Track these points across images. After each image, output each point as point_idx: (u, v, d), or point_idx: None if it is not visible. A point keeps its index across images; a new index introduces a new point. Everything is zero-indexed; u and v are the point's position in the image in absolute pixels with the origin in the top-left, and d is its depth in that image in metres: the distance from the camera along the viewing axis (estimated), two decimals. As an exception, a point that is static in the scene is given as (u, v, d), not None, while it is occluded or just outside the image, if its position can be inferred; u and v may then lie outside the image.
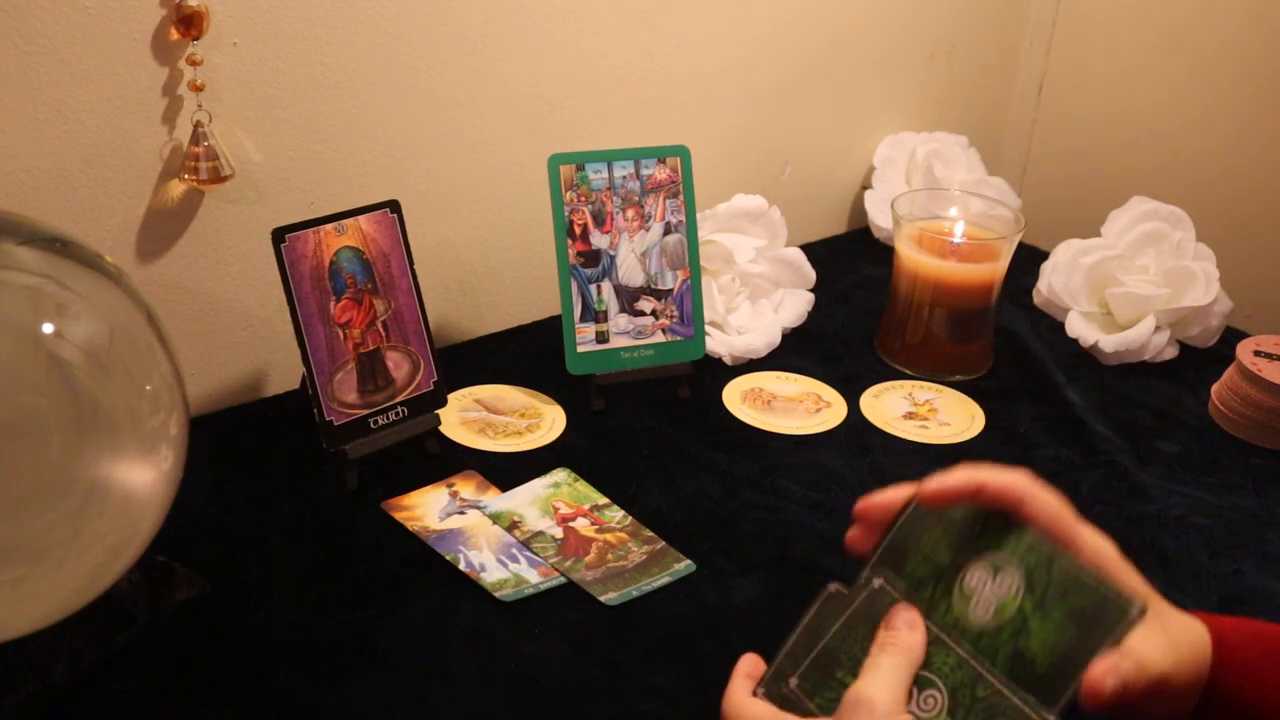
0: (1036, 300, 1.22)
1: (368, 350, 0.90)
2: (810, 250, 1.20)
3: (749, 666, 0.63)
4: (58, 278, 0.65)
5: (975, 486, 0.62)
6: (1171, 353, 1.15)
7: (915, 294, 1.10)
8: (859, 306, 1.23)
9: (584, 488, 0.92)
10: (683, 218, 1.02)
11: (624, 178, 1.01)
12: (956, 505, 0.62)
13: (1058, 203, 1.46)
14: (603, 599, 0.81)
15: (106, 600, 0.71)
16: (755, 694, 0.61)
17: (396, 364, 0.91)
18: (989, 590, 0.58)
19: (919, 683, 0.58)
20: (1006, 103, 1.51)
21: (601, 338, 1.01)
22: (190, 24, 0.86)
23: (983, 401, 1.07)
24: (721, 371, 1.09)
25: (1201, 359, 1.16)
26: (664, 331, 1.02)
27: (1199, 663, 0.61)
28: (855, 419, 1.04)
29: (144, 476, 0.66)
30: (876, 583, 0.62)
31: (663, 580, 0.83)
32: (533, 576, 0.83)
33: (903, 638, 0.59)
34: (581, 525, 0.88)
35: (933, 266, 1.08)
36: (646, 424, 1.01)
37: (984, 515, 0.60)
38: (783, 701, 0.60)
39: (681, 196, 1.02)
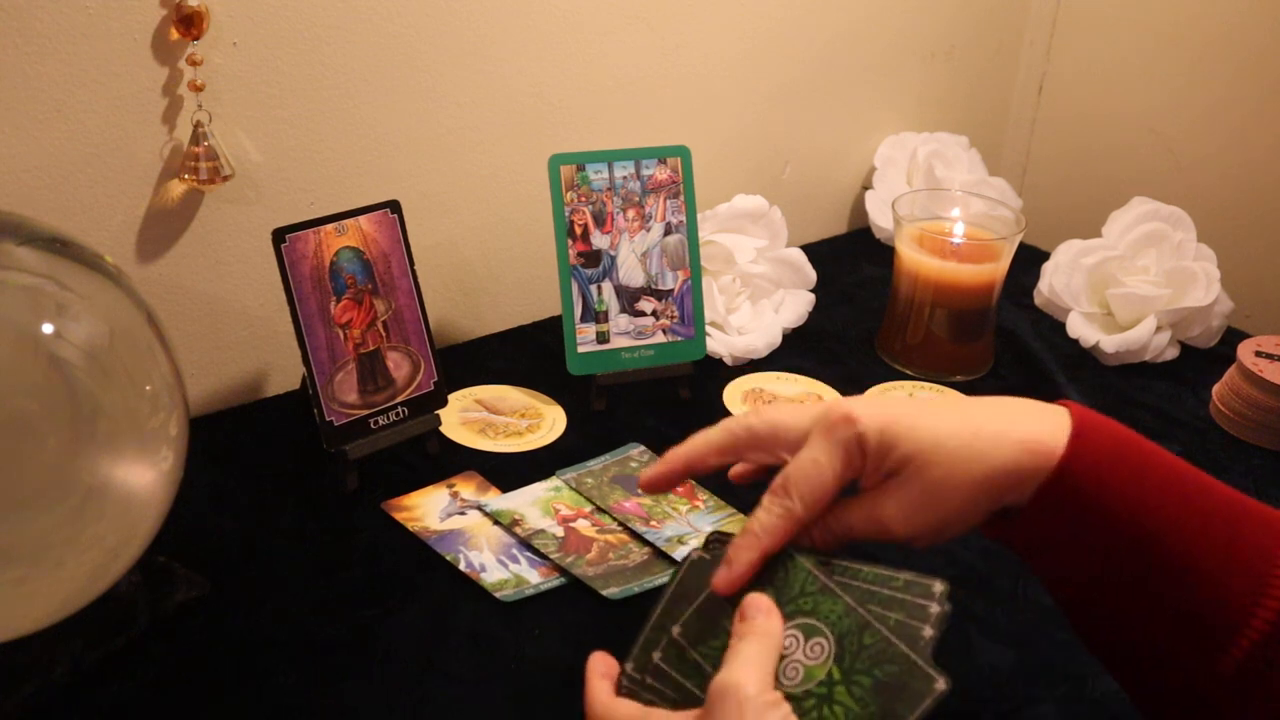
0: (1037, 301, 1.22)
1: (368, 351, 0.90)
2: (811, 250, 1.20)
3: (603, 666, 0.61)
4: (58, 278, 0.65)
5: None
6: (1172, 353, 1.15)
7: (916, 294, 1.10)
8: (860, 307, 1.23)
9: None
10: (683, 218, 1.02)
11: (624, 178, 1.01)
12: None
13: (1058, 203, 1.46)
14: (604, 593, 0.81)
15: (106, 600, 0.70)
16: (619, 692, 0.60)
17: (397, 364, 0.91)
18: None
19: (806, 631, 0.58)
20: (1006, 103, 1.51)
21: (602, 338, 1.01)
22: (190, 24, 0.86)
23: (983, 402, 1.07)
24: (722, 372, 1.09)
25: (1202, 359, 1.16)
26: (664, 332, 1.02)
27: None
28: (856, 419, 1.04)
29: (144, 477, 0.66)
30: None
31: (664, 579, 0.83)
32: (533, 577, 0.82)
33: (760, 624, 0.58)
34: (582, 526, 0.88)
35: (933, 267, 1.08)
36: (647, 424, 1.01)
37: (803, 573, 0.60)
38: (645, 691, 0.59)
39: (682, 197, 1.02)
